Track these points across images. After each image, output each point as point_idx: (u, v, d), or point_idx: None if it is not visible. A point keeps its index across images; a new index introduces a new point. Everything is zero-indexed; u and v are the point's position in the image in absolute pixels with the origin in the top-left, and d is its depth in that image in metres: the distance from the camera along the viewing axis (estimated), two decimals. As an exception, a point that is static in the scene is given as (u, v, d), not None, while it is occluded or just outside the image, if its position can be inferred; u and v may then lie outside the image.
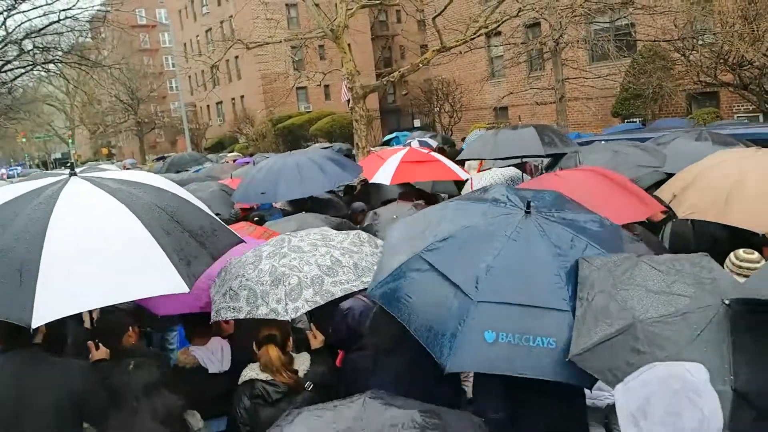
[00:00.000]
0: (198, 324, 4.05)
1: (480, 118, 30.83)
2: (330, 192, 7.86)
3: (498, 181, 8.14)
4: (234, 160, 22.73)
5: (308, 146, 32.55)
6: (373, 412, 2.14)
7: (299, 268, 3.58)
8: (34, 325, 2.67)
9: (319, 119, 37.94)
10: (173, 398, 3.33)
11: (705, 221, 4.74)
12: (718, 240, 4.72)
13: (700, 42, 16.36)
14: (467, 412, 2.23)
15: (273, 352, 3.49)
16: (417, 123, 40.92)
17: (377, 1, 20.75)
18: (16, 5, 22.39)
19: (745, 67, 14.93)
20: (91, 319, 3.87)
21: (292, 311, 3.38)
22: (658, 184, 5.66)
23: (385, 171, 7.56)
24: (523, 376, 2.59)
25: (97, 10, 30.75)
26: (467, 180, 8.47)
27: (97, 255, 2.96)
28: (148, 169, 17.30)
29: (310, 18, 23.54)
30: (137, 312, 4.26)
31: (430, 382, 3.09)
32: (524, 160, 8.42)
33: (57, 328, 3.50)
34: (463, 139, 17.40)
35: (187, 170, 16.33)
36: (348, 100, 17.52)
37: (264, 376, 3.48)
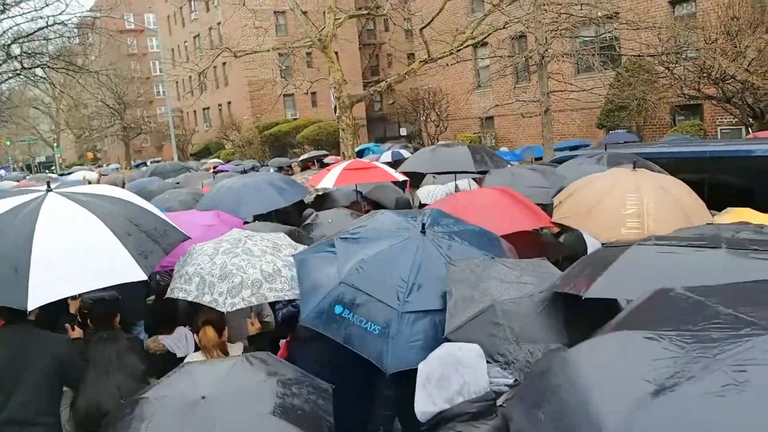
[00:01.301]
0: (162, 317, 5.01)
1: (466, 128, 31.01)
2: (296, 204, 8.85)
3: (449, 192, 8.69)
4: (214, 167, 22.76)
5: (295, 153, 32.66)
6: (238, 374, 2.72)
7: (245, 270, 4.20)
8: (30, 308, 3.55)
9: (305, 126, 37.97)
10: (138, 362, 4.16)
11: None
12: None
13: (684, 57, 16.56)
14: (320, 383, 2.89)
15: (210, 332, 4.12)
16: (403, 131, 41.07)
17: (365, 12, 20.90)
18: (5, 10, 22.23)
19: (727, 81, 15.14)
20: (79, 306, 4.80)
21: (230, 305, 4.05)
22: None
23: (329, 177, 8.70)
24: (345, 344, 3.38)
25: (85, 16, 30.58)
26: (405, 181, 9.90)
27: (75, 254, 3.81)
28: (124, 175, 17.78)
29: (298, 26, 23.58)
30: (120, 305, 5.10)
31: (345, 368, 3.66)
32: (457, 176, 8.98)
33: (48, 313, 4.44)
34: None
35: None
36: (335, 108, 17.62)
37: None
